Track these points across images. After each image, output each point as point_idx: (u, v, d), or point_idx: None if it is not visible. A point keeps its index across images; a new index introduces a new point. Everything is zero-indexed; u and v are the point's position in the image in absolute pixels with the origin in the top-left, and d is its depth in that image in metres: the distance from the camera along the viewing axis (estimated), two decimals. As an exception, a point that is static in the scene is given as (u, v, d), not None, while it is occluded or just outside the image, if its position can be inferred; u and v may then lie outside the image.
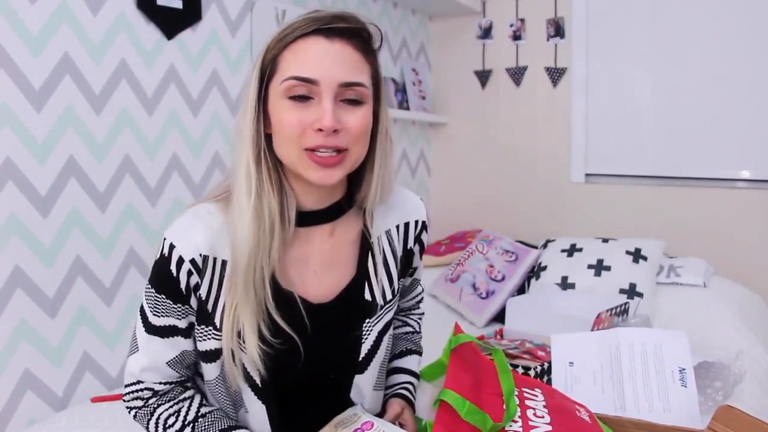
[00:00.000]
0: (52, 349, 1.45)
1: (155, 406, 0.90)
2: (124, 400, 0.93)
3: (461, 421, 0.82)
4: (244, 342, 0.85)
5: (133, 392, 0.91)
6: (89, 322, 1.52)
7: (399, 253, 1.00)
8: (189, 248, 0.84)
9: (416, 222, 1.02)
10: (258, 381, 0.88)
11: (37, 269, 1.41)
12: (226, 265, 0.86)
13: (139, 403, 0.91)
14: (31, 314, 1.41)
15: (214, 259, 0.86)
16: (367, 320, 0.94)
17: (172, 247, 0.84)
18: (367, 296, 0.94)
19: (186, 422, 0.88)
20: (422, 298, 1.21)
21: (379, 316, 0.96)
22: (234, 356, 0.85)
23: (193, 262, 0.84)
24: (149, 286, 0.88)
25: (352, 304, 0.94)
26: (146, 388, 0.90)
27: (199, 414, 0.90)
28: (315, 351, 0.90)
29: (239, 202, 0.84)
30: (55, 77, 1.43)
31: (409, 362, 1.12)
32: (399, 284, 1.01)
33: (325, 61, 0.81)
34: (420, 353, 1.15)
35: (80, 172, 1.50)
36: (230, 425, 0.90)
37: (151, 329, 0.88)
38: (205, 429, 0.88)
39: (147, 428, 0.91)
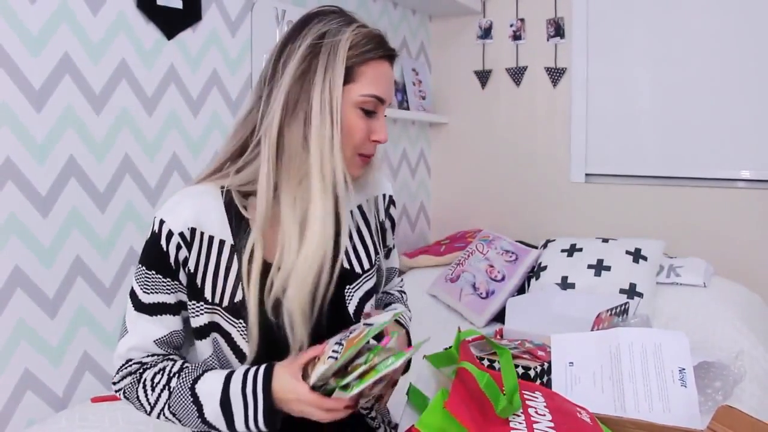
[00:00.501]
0: (52, 349, 1.45)
1: (141, 372, 0.93)
2: (113, 383, 0.95)
3: (475, 395, 0.82)
4: (241, 316, 0.89)
5: (122, 372, 0.93)
6: (89, 322, 1.53)
7: (372, 225, 1.08)
8: (177, 222, 0.89)
9: (384, 196, 1.12)
10: (250, 355, 0.91)
11: (36, 269, 1.42)
12: (213, 240, 0.91)
13: (128, 380, 0.93)
14: (31, 314, 1.41)
15: (201, 234, 0.91)
16: (347, 286, 1.00)
17: (162, 222, 0.90)
18: (345, 264, 1.00)
19: (171, 374, 0.91)
20: (402, 288, 1.27)
21: (359, 283, 1.02)
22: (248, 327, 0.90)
23: (181, 235, 0.89)
24: (140, 265, 0.92)
25: (331, 272, 0.97)
26: (134, 363, 0.93)
27: (184, 366, 0.92)
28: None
29: (323, 190, 0.90)
30: (55, 77, 1.43)
31: (397, 307, 1.17)
32: (376, 257, 1.07)
33: (390, 85, 0.96)
34: (407, 310, 1.20)
35: (80, 172, 1.50)
36: (214, 368, 0.92)
37: (140, 307, 0.91)
38: (188, 374, 0.90)
39: (138, 399, 0.92)
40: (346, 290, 1.01)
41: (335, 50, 0.90)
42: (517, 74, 2.66)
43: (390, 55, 0.95)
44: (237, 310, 0.91)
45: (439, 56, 2.87)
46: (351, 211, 1.03)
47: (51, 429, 1.31)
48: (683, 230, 2.33)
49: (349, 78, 0.91)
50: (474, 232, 2.57)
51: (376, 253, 1.07)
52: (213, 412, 0.87)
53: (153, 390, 0.90)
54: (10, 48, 1.35)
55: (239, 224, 0.93)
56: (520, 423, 0.83)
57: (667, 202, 2.38)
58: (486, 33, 2.72)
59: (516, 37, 2.64)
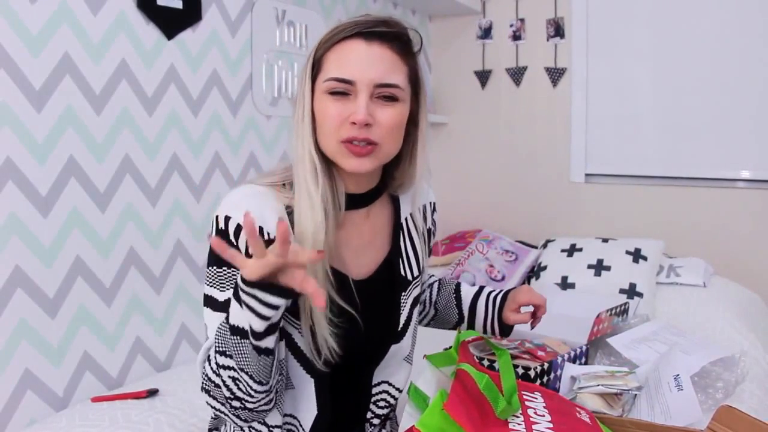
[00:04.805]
0: (52, 349, 1.45)
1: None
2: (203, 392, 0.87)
3: (473, 396, 0.83)
4: (312, 322, 0.88)
5: (202, 374, 0.85)
6: (89, 322, 1.52)
7: (421, 232, 1.09)
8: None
9: (431, 203, 1.16)
10: (321, 360, 0.91)
11: (37, 269, 1.41)
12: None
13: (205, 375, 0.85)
14: (31, 314, 1.41)
15: (268, 234, 0.88)
16: (402, 293, 1.02)
17: (227, 218, 0.87)
18: (401, 272, 1.02)
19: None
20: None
21: (410, 290, 1.04)
22: (314, 334, 0.89)
23: None
24: (210, 267, 0.88)
25: (387, 279, 1.01)
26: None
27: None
28: (364, 324, 0.94)
29: (308, 192, 0.89)
30: (56, 77, 1.43)
31: (466, 288, 1.27)
32: (424, 262, 1.09)
33: (363, 62, 0.88)
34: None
35: (80, 172, 1.50)
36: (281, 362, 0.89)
37: (218, 307, 0.87)
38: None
39: (210, 381, 0.83)
40: (402, 297, 1.02)
41: (311, 52, 0.92)
42: (517, 74, 2.66)
43: (364, 33, 0.89)
44: (297, 312, 0.89)
45: (439, 56, 2.87)
46: (405, 219, 1.05)
47: (51, 429, 1.31)
48: (683, 230, 2.33)
49: (317, 70, 0.91)
50: (474, 232, 2.57)
51: (423, 259, 1.09)
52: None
53: (216, 355, 0.82)
54: (10, 48, 1.35)
55: None
56: (519, 424, 0.83)
57: (667, 202, 2.38)
58: (486, 33, 2.72)
59: (516, 37, 2.64)
